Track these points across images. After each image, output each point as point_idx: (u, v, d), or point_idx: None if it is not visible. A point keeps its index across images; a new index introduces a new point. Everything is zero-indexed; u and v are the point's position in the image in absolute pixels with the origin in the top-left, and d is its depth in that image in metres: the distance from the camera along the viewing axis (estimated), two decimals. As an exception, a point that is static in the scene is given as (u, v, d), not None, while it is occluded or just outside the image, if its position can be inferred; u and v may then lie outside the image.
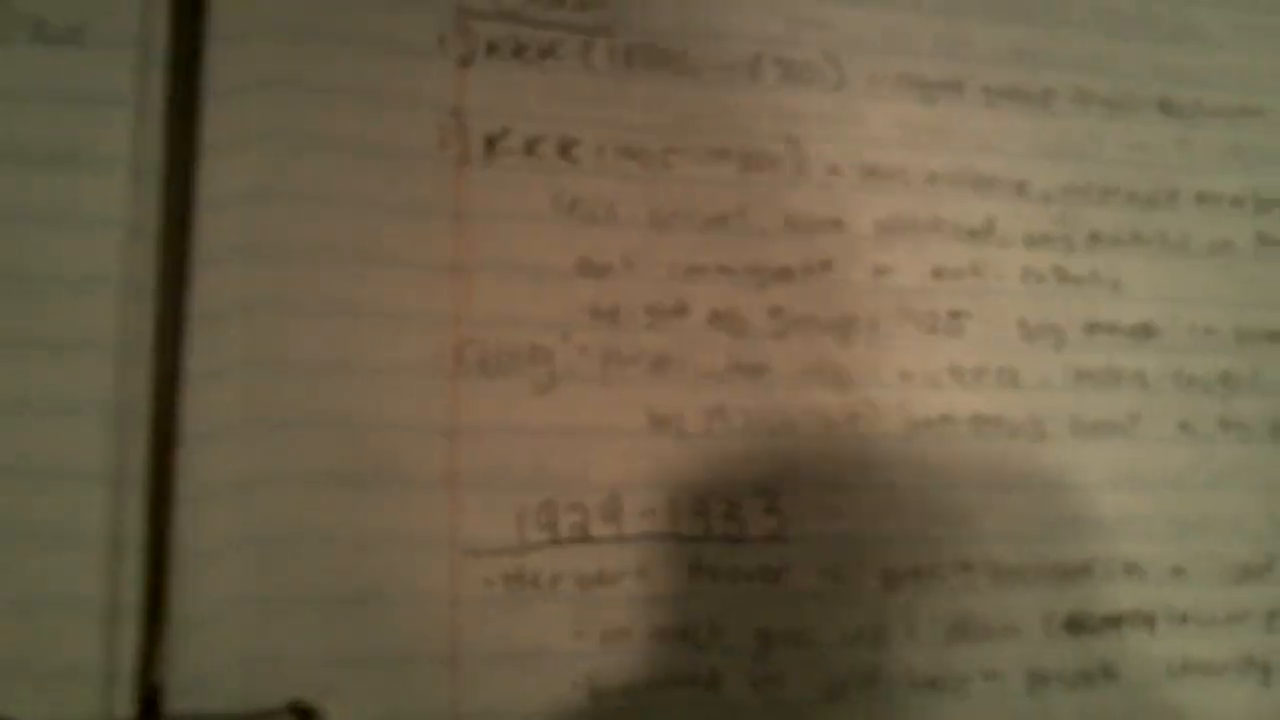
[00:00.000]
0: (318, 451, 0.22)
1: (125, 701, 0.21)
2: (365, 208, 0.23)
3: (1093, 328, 0.28)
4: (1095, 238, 0.28)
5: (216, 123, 0.23)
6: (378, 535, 0.22)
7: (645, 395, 0.25)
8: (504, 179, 0.24)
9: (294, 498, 0.22)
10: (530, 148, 0.25)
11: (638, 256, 0.25)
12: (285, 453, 0.22)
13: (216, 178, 0.23)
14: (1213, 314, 0.29)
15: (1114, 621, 0.27)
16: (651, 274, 0.25)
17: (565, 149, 0.25)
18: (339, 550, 0.22)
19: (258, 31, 0.23)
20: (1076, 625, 0.27)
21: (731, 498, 0.25)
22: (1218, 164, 0.30)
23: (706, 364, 0.25)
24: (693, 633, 0.24)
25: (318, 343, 0.23)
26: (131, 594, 0.21)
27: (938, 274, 0.27)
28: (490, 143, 0.24)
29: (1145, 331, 0.28)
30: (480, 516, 0.23)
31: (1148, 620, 0.27)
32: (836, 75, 0.27)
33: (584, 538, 0.24)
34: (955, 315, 0.27)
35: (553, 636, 0.23)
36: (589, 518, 0.24)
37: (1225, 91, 0.31)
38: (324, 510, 0.22)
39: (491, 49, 0.25)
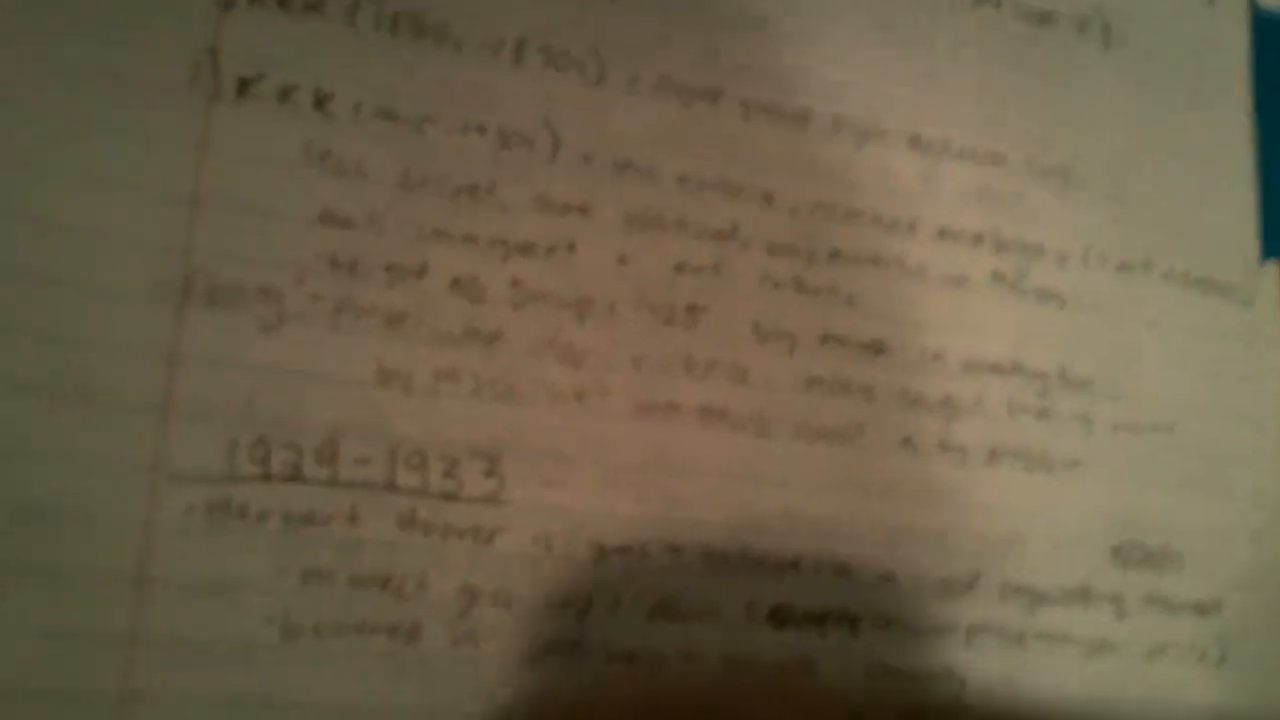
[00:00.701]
0: (18, 360, 0.26)
1: None
2: (102, 130, 0.27)
3: (826, 338, 0.34)
4: (836, 254, 0.34)
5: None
6: (72, 451, 0.26)
7: (376, 348, 0.29)
8: (254, 122, 0.29)
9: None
10: (284, 95, 0.29)
11: (383, 215, 0.30)
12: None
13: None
14: (942, 340, 0.35)
15: (818, 618, 0.32)
16: (395, 233, 0.30)
17: (320, 101, 0.29)
18: (23, 460, 0.25)
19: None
20: (780, 617, 0.32)
21: (452, 456, 0.29)
22: (960, 202, 0.36)
23: (442, 326, 0.30)
24: (397, 583, 0.28)
25: (33, 253, 0.26)
26: None
27: (679, 268, 0.32)
28: (243, 85, 0.29)
29: (876, 348, 0.34)
30: (189, 444, 0.27)
31: (851, 621, 0.32)
32: (598, 70, 0.32)
33: (295, 477, 0.28)
34: (692, 309, 0.32)
35: (251, 569, 0.27)
36: (303, 458, 0.28)
37: (972, 135, 0.37)
38: (13, 420, 0.25)
39: (255, -4, 0.29)
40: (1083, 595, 0.37)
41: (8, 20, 0.28)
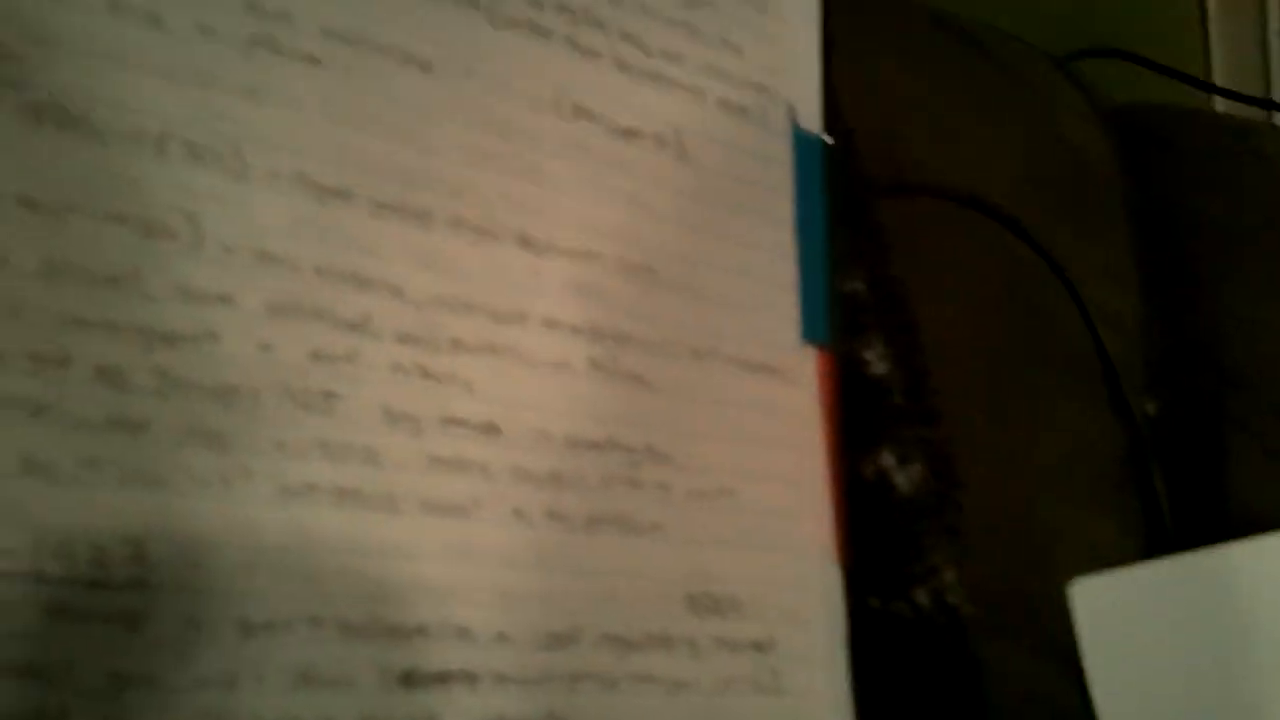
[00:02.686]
0: None
1: None
2: None
3: (447, 421, 0.39)
4: (457, 343, 0.40)
5: None
6: None
7: (19, 440, 0.31)
8: None
9: None
10: None
11: (24, 304, 0.31)
12: None
13: None
14: (548, 421, 0.42)
15: (443, 678, 0.38)
16: (38, 322, 0.32)
17: None
18: None
19: None
20: (410, 680, 0.37)
21: (99, 544, 0.31)
22: (561, 295, 0.43)
23: (87, 415, 0.32)
24: (44, 671, 0.30)
25: None
26: None
27: (316, 357, 0.37)
28: None
29: (491, 429, 0.40)
30: None
31: (472, 679, 0.38)
32: (240, 165, 0.36)
33: (-64, 572, 0.29)
34: (329, 395, 0.37)
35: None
36: None
37: (572, 232, 0.44)
38: None
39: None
40: (665, 641, 0.45)
41: None
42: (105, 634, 0.33)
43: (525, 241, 0.45)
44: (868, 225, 0.61)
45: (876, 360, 0.61)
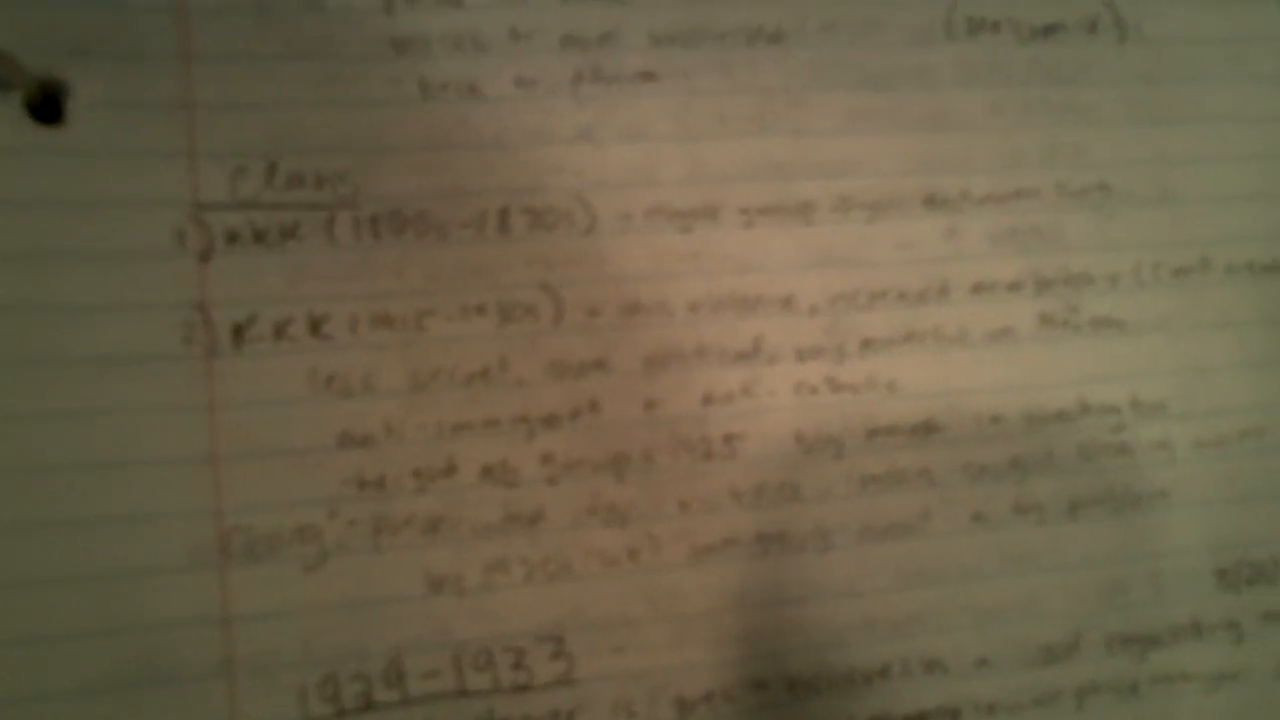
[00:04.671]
0: (86, 662, 0.29)
1: None
2: (110, 417, 0.30)
3: (873, 433, 0.36)
4: (867, 343, 0.36)
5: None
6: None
7: (420, 558, 0.32)
8: (255, 366, 0.32)
9: (65, 709, 0.29)
10: (279, 331, 0.32)
11: (400, 422, 0.32)
12: (52, 666, 0.29)
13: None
14: (997, 401, 0.37)
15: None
16: (416, 437, 0.32)
17: (316, 327, 0.32)
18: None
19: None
20: (878, 730, 0.34)
21: (517, 647, 0.32)
22: (991, 250, 0.38)
23: (481, 519, 0.32)
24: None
25: (72, 556, 0.30)
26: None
27: (708, 400, 0.35)
28: (238, 331, 0.32)
29: (928, 428, 0.36)
30: (261, 699, 0.30)
31: (953, 715, 0.35)
32: (587, 217, 0.34)
33: (368, 706, 0.31)
34: (729, 439, 0.34)
35: (344, 808, 0.30)
36: (372, 685, 0.31)
37: (992, 176, 0.38)
38: (100, 717, 0.29)
39: (231, 238, 0.32)
40: (1194, 629, 0.39)
41: None
42: (539, 738, 0.33)
43: (931, 201, 0.40)
44: None
45: None
